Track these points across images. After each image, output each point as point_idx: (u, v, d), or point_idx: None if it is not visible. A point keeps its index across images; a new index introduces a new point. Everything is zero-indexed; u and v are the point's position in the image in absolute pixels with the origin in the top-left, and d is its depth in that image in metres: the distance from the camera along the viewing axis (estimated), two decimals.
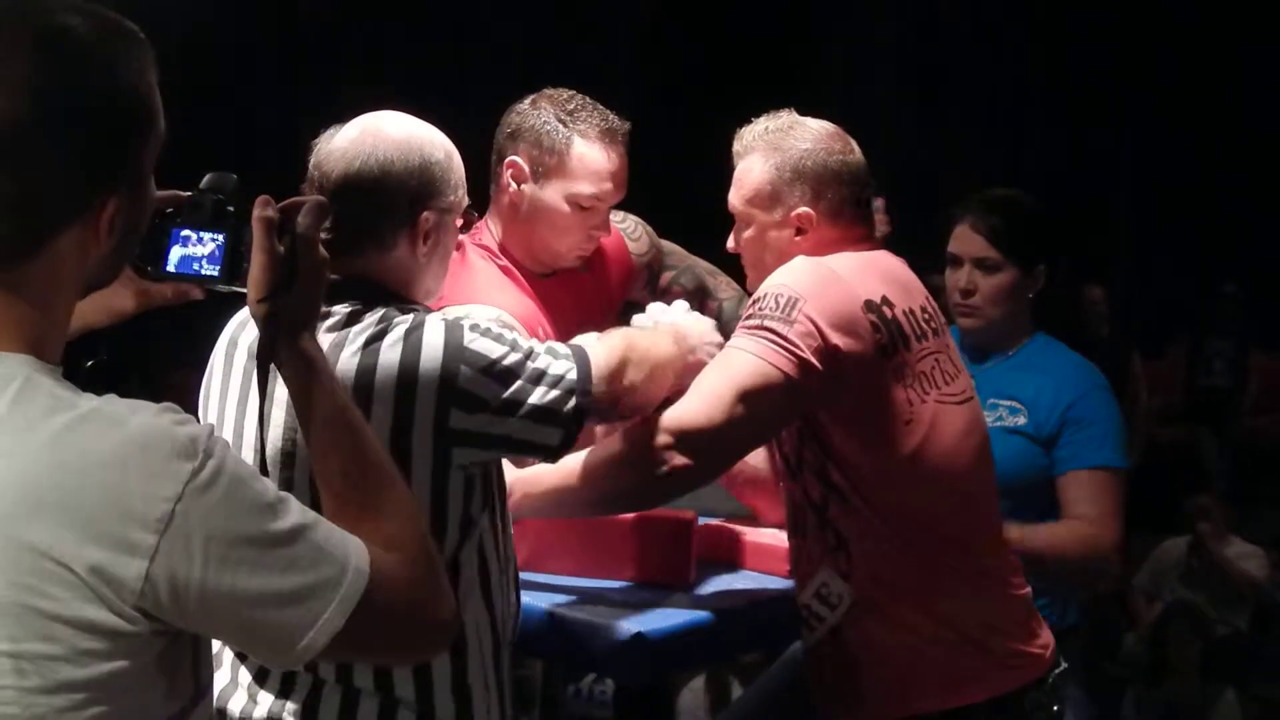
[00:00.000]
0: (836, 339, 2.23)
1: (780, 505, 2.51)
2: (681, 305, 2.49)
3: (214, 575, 1.27)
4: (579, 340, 2.16)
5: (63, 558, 1.22)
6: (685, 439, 2.20)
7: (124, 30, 1.33)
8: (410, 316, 1.99)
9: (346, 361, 1.94)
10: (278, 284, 1.54)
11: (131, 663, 1.27)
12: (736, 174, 2.47)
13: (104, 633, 1.25)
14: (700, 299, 2.86)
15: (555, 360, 2.05)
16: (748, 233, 2.45)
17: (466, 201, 2.14)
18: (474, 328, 1.99)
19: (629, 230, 2.87)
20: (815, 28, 9.38)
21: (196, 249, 1.56)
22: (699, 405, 2.21)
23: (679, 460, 2.19)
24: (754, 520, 2.73)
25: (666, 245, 2.97)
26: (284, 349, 1.54)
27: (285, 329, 1.54)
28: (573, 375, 2.05)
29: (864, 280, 2.30)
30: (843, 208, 2.41)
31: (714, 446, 2.24)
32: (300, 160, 2.07)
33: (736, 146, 2.47)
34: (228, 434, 2.01)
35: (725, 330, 2.59)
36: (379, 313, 1.98)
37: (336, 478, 1.50)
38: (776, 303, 2.24)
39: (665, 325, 2.39)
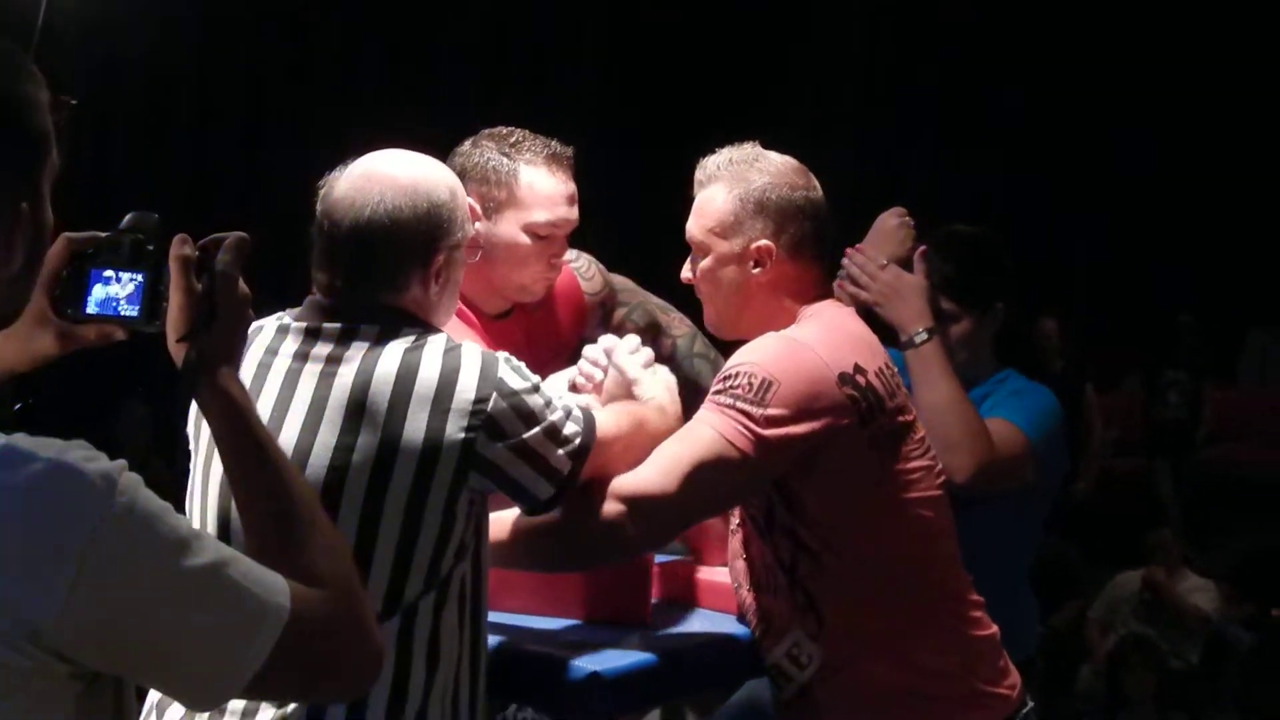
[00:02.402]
0: (809, 423, 2.22)
1: (721, 548, 2.53)
2: (633, 340, 2.48)
3: (127, 615, 1.24)
4: (593, 407, 2.22)
5: None
6: (637, 507, 2.19)
7: (16, 59, 1.32)
8: (444, 336, 2.07)
9: (386, 367, 2.00)
10: (196, 323, 1.53)
11: (49, 707, 1.25)
12: (697, 203, 2.45)
13: (19, 676, 1.22)
14: (652, 336, 2.83)
15: (568, 421, 2.11)
16: (705, 262, 2.43)
17: (473, 231, 2.21)
18: (506, 359, 2.07)
19: (582, 269, 2.86)
20: (774, 65, 9.41)
21: (116, 289, 1.53)
22: (656, 474, 2.20)
23: (630, 527, 2.19)
24: (697, 561, 2.72)
25: (618, 281, 2.95)
26: (205, 388, 1.52)
27: (205, 367, 1.52)
28: (578, 441, 2.11)
29: (836, 352, 2.29)
30: (803, 244, 2.40)
31: (665, 517, 2.23)
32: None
33: (699, 175, 2.46)
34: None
35: (678, 367, 2.58)
36: (414, 332, 2.05)
37: (260, 514, 1.48)
38: (750, 384, 2.23)
39: (673, 413, 2.37)
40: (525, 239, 2.58)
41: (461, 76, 8.47)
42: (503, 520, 2.24)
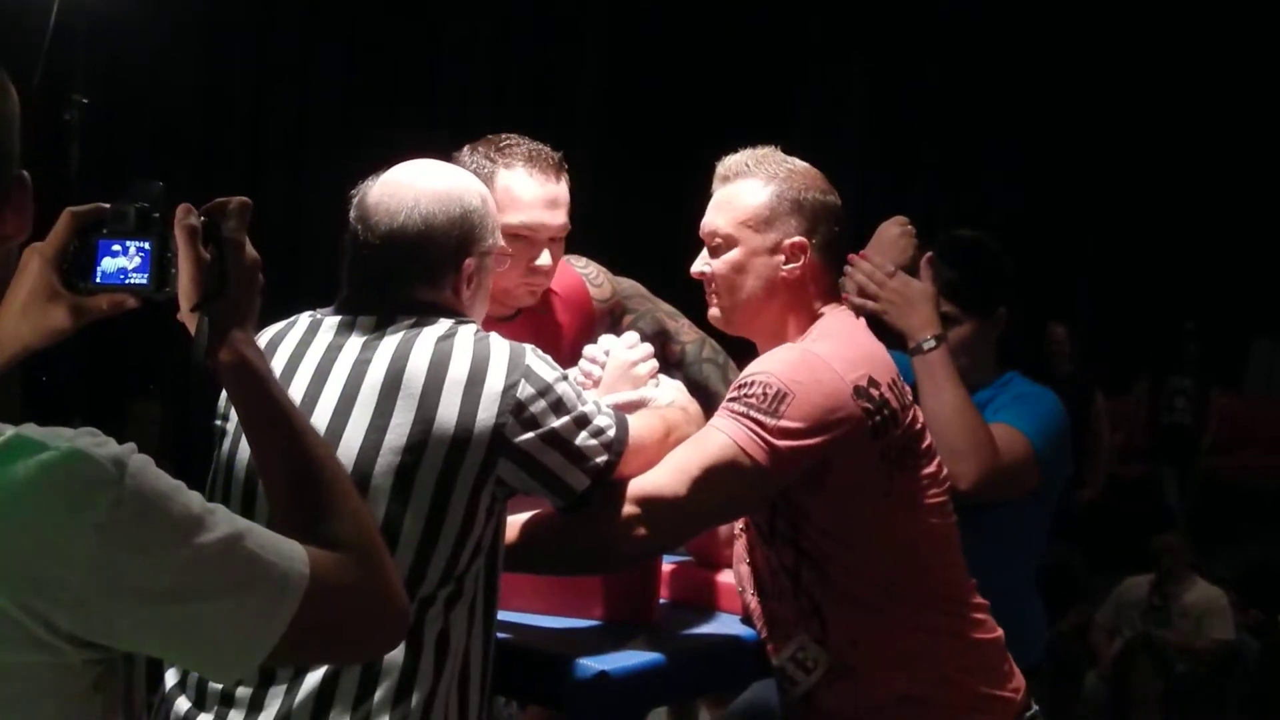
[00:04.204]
0: (822, 436, 2.23)
1: (726, 550, 2.55)
2: (631, 337, 2.48)
3: (145, 594, 1.25)
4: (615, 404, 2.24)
5: None
6: (649, 511, 2.19)
7: None
8: (475, 325, 2.12)
9: (419, 354, 2.04)
10: (208, 290, 1.54)
11: (62, 696, 1.26)
12: (723, 196, 2.46)
13: (37, 669, 1.24)
14: (661, 342, 2.84)
15: (599, 413, 2.13)
16: (732, 254, 2.43)
17: (502, 241, 2.24)
18: (533, 350, 2.10)
19: (591, 276, 2.86)
20: (780, 78, 9.39)
21: (124, 259, 1.55)
22: (667, 479, 2.21)
23: (639, 530, 2.19)
24: (702, 563, 2.73)
25: (627, 287, 2.95)
26: (222, 353, 1.53)
27: (220, 334, 1.53)
28: (612, 433, 2.14)
29: (851, 365, 2.29)
30: (830, 246, 2.44)
31: (674, 521, 2.24)
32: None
33: (722, 171, 2.47)
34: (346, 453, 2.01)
35: (686, 375, 2.58)
36: (447, 322, 2.09)
37: (280, 478, 1.50)
38: (765, 393, 2.23)
39: (694, 412, 2.38)
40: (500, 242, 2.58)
41: (464, 109, 8.45)
42: (514, 523, 2.25)
